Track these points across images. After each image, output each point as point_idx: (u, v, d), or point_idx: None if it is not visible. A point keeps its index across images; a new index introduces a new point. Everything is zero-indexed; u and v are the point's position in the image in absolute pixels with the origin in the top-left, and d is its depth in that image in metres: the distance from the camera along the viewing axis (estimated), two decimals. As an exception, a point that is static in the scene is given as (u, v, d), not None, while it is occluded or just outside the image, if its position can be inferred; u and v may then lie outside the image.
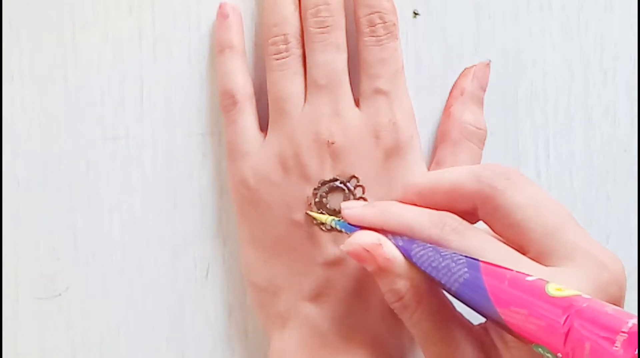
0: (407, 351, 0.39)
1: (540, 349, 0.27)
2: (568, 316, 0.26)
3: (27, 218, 0.42)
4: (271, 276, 0.39)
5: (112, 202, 0.42)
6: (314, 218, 0.37)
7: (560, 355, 0.26)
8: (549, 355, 0.27)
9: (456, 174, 0.34)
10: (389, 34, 0.39)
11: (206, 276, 0.42)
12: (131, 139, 0.42)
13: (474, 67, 0.41)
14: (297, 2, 0.40)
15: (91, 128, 0.42)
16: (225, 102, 0.40)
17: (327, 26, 0.39)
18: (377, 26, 0.39)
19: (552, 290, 0.27)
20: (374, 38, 0.39)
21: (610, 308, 0.25)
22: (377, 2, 0.39)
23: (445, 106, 0.41)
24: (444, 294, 0.33)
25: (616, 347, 0.24)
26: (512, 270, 0.29)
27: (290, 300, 0.38)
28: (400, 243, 0.33)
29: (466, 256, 0.30)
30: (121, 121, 0.42)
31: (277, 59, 0.39)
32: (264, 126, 0.40)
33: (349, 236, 0.34)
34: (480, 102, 0.41)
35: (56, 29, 0.42)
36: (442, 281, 0.31)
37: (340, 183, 0.38)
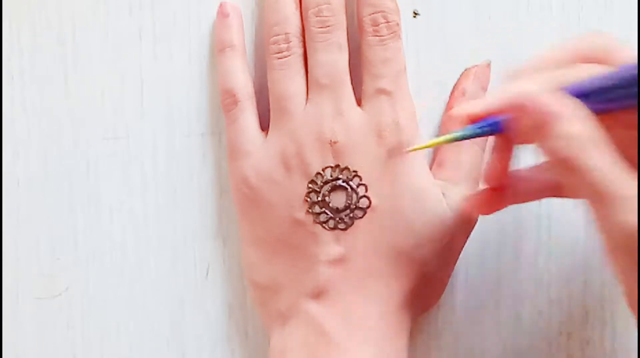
0: (408, 350, 0.39)
1: None
2: None
3: (27, 218, 0.42)
4: (273, 275, 0.39)
5: (112, 202, 0.42)
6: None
7: None
8: None
9: (567, 42, 0.34)
10: (392, 34, 0.39)
11: (206, 276, 0.42)
12: (131, 139, 0.42)
13: (475, 67, 0.41)
14: (298, 1, 0.40)
15: (91, 128, 0.42)
16: (226, 102, 0.40)
17: (329, 25, 0.39)
18: (380, 26, 0.39)
19: None
20: (377, 38, 0.39)
21: None
22: (380, 1, 0.39)
23: (447, 106, 0.41)
24: None
25: None
26: None
27: (292, 298, 0.38)
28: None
29: None
30: (121, 121, 0.42)
31: (279, 58, 0.39)
32: (264, 126, 0.41)
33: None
34: None
35: (56, 29, 0.42)
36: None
37: (343, 181, 0.38)
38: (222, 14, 0.41)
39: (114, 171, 0.42)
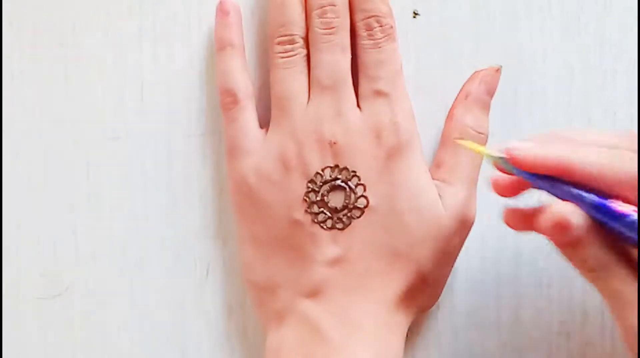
0: (408, 350, 0.39)
1: None
2: None
3: (28, 217, 0.42)
4: (270, 274, 0.39)
5: (112, 202, 0.42)
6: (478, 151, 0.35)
7: None
8: None
9: None
10: (386, 37, 0.39)
11: (206, 276, 0.42)
12: (131, 139, 0.42)
13: (483, 71, 0.41)
14: (304, 2, 0.40)
15: (91, 128, 0.42)
16: (225, 101, 0.40)
17: (333, 27, 0.39)
18: (374, 30, 0.39)
19: None
20: (372, 41, 0.39)
21: None
22: (373, 5, 0.39)
23: (450, 108, 0.41)
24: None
25: None
26: None
27: (289, 297, 0.38)
28: (596, 203, 0.31)
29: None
30: (121, 121, 0.42)
31: (283, 58, 0.39)
32: (263, 124, 0.41)
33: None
34: (485, 106, 0.40)
35: (57, 29, 0.42)
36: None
37: (342, 181, 0.38)
38: (222, 11, 0.41)
39: (114, 171, 0.42)
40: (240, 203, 0.40)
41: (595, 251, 0.31)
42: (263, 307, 0.40)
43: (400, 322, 0.38)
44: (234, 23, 0.41)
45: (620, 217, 0.31)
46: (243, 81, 0.40)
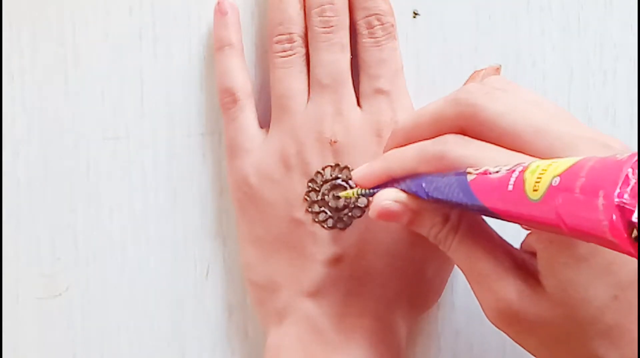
0: (403, 351, 0.39)
1: None
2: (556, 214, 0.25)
3: (28, 217, 0.42)
4: (271, 274, 0.39)
5: (112, 202, 0.42)
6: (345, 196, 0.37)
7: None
8: None
9: (435, 104, 0.33)
10: (387, 35, 0.39)
11: (206, 276, 0.42)
12: (131, 139, 0.42)
13: (483, 70, 0.41)
14: (303, 1, 0.40)
15: (91, 128, 0.42)
16: (225, 100, 0.40)
17: (332, 26, 0.39)
18: (375, 28, 0.39)
19: (531, 193, 0.26)
20: (372, 40, 0.39)
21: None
22: (374, 4, 0.39)
23: None
24: (481, 218, 0.33)
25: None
26: (492, 179, 0.28)
27: (289, 296, 0.38)
28: (414, 189, 0.32)
29: (456, 174, 0.30)
30: (121, 121, 0.42)
31: (282, 57, 0.39)
32: (263, 124, 0.41)
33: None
34: None
35: (56, 29, 0.42)
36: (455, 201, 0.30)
37: (342, 180, 0.38)
38: (220, 11, 0.41)
39: (114, 171, 0.42)
40: (240, 202, 0.40)
41: (430, 229, 0.33)
42: (263, 306, 0.40)
43: (400, 322, 0.38)
44: (232, 23, 0.41)
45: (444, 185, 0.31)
46: (242, 80, 0.40)
